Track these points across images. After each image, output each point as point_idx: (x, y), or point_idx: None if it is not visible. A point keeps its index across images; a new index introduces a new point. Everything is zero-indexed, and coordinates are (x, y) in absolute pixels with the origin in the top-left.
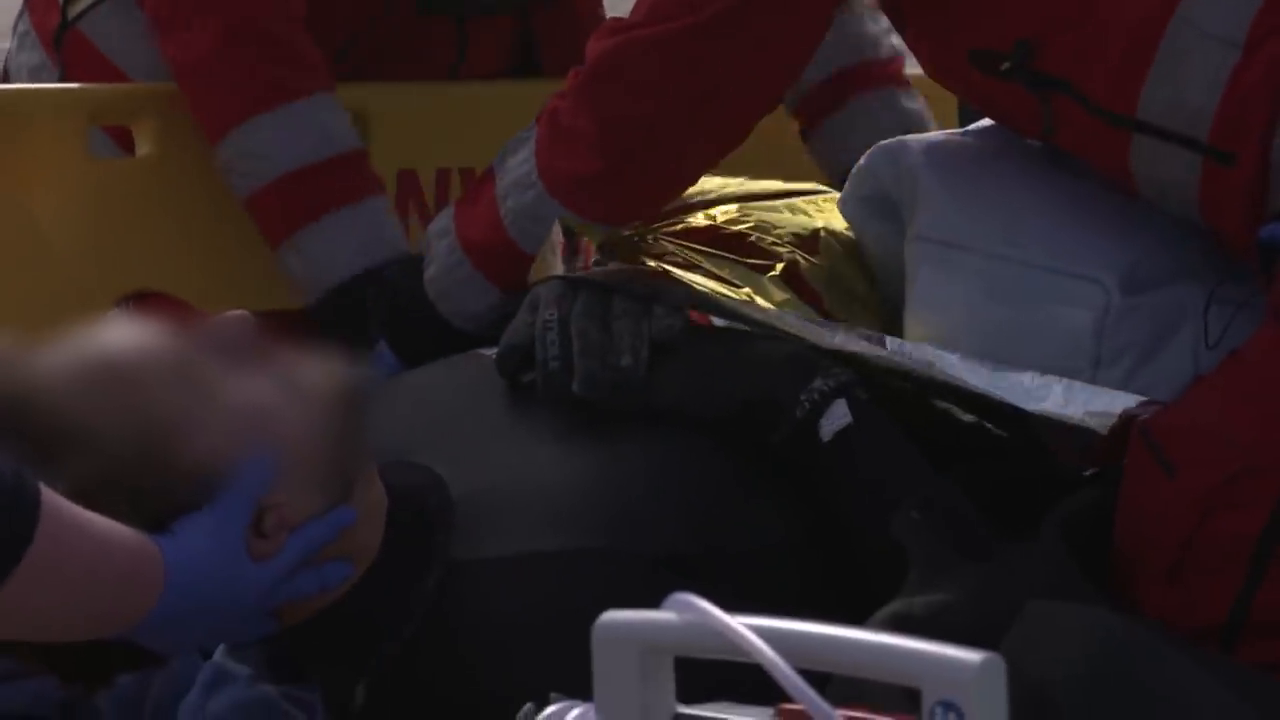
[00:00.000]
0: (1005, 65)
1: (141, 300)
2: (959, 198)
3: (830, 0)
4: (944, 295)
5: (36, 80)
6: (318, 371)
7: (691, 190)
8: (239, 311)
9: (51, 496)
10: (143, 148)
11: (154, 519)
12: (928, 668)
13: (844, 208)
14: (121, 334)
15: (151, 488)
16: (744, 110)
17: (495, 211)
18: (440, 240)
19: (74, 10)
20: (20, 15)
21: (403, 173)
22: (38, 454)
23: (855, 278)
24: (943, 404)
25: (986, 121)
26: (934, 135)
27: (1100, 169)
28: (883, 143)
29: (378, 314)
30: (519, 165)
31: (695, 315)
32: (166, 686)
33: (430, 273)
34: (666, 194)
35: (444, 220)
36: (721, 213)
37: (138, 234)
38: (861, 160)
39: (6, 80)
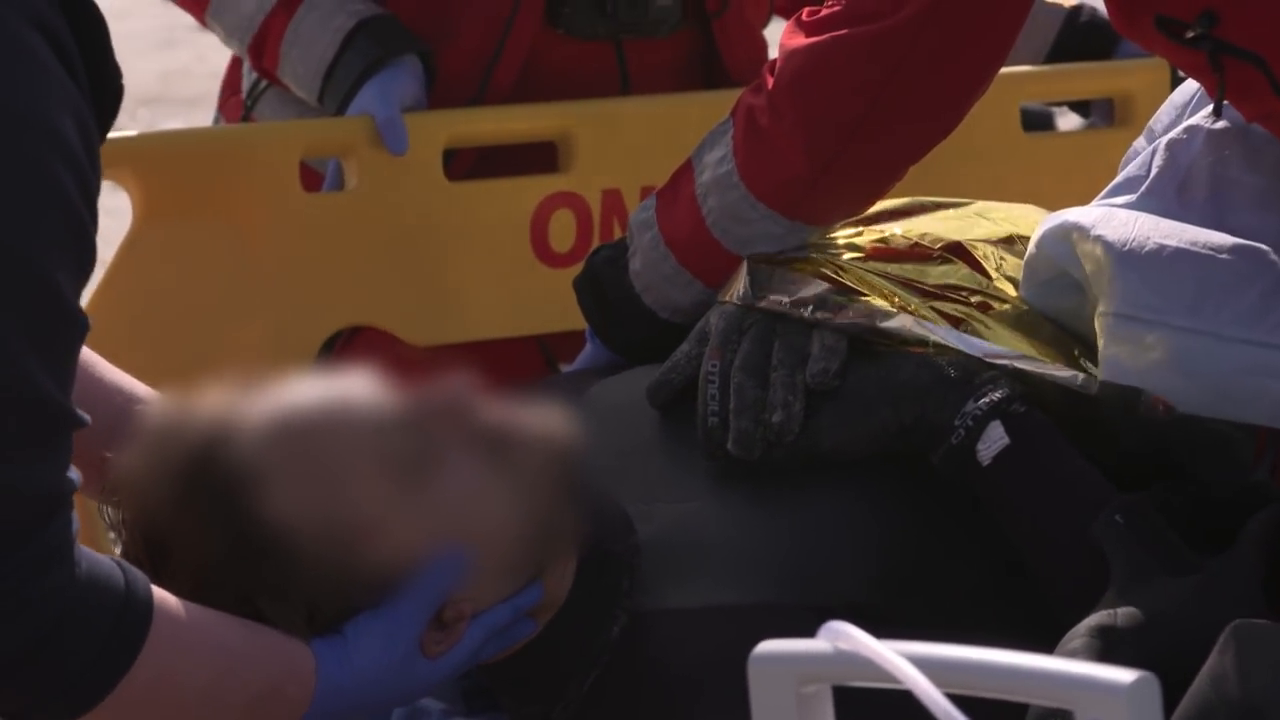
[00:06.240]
0: (1190, 34)
1: (354, 336)
2: (1143, 272)
3: None
4: (1138, 370)
5: None
6: (533, 443)
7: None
8: (459, 379)
9: (172, 614)
10: (351, 180)
11: (325, 623)
12: (1078, 688)
13: (1026, 293)
14: (325, 399)
15: (329, 592)
16: (953, 102)
17: (697, 210)
18: (644, 233)
19: (251, 103)
20: (215, 121)
21: (607, 192)
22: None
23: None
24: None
25: (1142, 182)
26: (1098, 210)
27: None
28: (1048, 227)
29: (583, 303)
30: (719, 164)
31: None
32: None
33: (635, 266)
34: (873, 191)
35: (646, 212)
36: (903, 229)
37: (351, 266)
38: (1031, 248)
39: None
